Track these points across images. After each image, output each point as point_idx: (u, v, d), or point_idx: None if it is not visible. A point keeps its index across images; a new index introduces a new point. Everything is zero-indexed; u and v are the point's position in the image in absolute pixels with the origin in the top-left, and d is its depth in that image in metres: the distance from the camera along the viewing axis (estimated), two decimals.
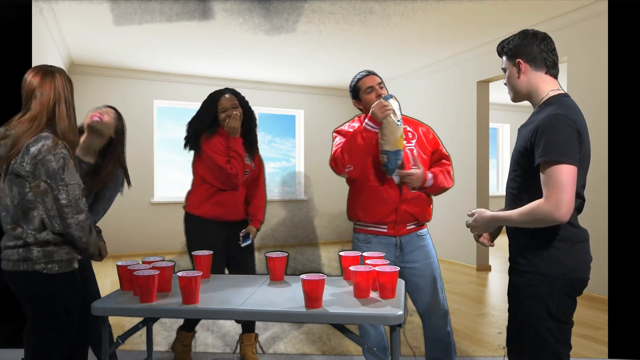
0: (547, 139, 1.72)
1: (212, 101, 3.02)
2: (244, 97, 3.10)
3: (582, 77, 4.94)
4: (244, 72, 7.63)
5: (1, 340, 3.33)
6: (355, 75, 2.70)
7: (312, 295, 1.92)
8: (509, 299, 1.94)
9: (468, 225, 2.02)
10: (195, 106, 3.14)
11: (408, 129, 2.67)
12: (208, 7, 4.91)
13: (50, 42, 5.34)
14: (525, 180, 1.84)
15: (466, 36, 5.80)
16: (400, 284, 2.24)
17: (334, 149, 2.68)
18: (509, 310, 1.94)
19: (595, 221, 4.76)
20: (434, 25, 5.41)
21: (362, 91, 2.65)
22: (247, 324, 3.19)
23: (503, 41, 1.94)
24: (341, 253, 2.38)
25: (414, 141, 2.67)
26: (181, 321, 3.23)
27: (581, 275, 1.87)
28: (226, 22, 5.23)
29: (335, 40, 5.92)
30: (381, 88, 2.63)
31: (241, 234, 3.02)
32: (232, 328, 3.70)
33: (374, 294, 2.09)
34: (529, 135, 1.80)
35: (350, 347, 3.43)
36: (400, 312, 1.90)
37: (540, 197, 1.74)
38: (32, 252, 1.92)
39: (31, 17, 3.57)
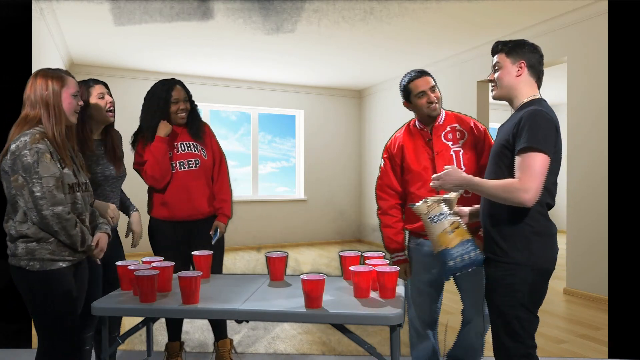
0: (529, 128, 1.84)
1: (168, 90, 2.85)
2: (187, 88, 2.96)
3: (582, 77, 4.94)
4: (244, 72, 7.62)
5: (1, 340, 3.33)
6: (406, 75, 2.54)
7: (312, 295, 1.93)
8: (485, 288, 2.02)
9: (434, 178, 2.03)
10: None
11: (458, 127, 2.54)
12: (208, 7, 4.91)
13: (50, 42, 5.34)
14: (505, 174, 1.91)
15: (466, 36, 5.80)
16: (401, 283, 2.24)
17: (378, 180, 2.65)
18: (486, 299, 2.03)
19: (595, 221, 4.77)
20: (433, 25, 5.42)
21: (413, 94, 2.50)
22: (219, 330, 3.05)
23: (504, 40, 2.04)
24: (341, 253, 2.38)
25: (461, 142, 2.52)
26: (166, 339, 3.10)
27: (549, 267, 1.95)
28: (226, 22, 5.23)
29: (335, 40, 5.92)
30: (433, 91, 2.48)
31: (211, 232, 2.88)
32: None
33: (374, 294, 2.09)
34: (511, 129, 1.91)
35: (350, 347, 3.43)
36: (401, 312, 1.91)
37: None
38: (17, 248, 2.01)
39: (31, 17, 3.57)
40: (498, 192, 1.86)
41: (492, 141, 2.51)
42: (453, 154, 2.51)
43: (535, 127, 1.83)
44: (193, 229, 2.91)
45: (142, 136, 2.89)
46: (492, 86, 2.08)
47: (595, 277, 4.57)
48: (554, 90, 7.27)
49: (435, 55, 6.62)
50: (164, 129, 2.82)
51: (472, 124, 2.58)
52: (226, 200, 2.96)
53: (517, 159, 1.85)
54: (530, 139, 1.82)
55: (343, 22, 5.26)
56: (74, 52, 6.47)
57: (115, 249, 2.60)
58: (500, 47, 2.03)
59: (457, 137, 2.53)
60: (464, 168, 2.46)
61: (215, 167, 2.99)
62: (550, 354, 3.39)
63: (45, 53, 5.01)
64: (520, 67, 1.99)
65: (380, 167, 2.65)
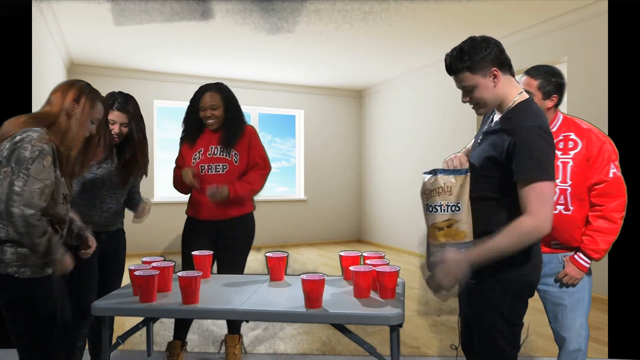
0: (530, 156, 1.67)
1: (197, 96, 3.11)
2: (229, 93, 3.13)
3: (582, 77, 4.94)
4: (244, 72, 7.62)
5: (1, 341, 3.33)
6: (560, 74, 2.26)
7: (312, 295, 1.93)
8: (459, 299, 1.96)
9: (429, 280, 1.80)
10: None
11: (572, 136, 2.21)
12: (208, 7, 4.91)
13: (50, 42, 5.33)
14: (501, 183, 1.76)
15: (466, 36, 5.75)
16: (401, 283, 2.24)
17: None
18: (461, 310, 1.97)
19: None
20: (433, 25, 5.41)
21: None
22: (233, 325, 3.10)
23: (458, 57, 1.78)
24: (341, 253, 2.38)
25: (573, 152, 2.18)
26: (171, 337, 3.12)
27: (533, 278, 1.84)
28: (226, 22, 5.23)
29: (335, 40, 5.91)
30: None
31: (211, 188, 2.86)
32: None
33: (374, 294, 2.09)
34: (503, 146, 1.72)
35: (350, 347, 3.43)
36: (401, 312, 1.91)
37: (516, 198, 1.70)
38: (5, 254, 1.84)
39: (31, 17, 3.57)
40: (517, 239, 1.67)
41: (604, 157, 2.27)
42: (560, 165, 2.18)
43: (536, 154, 1.66)
44: (218, 229, 2.95)
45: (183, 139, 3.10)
46: (472, 106, 1.85)
47: (595, 277, 4.55)
48: None
49: (435, 55, 6.62)
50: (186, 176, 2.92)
51: (590, 136, 2.23)
52: (246, 182, 2.96)
53: (523, 191, 1.67)
54: (534, 170, 1.65)
55: (343, 22, 5.26)
56: (74, 52, 6.47)
57: (119, 248, 2.71)
58: (460, 67, 1.77)
59: (569, 146, 2.20)
60: (569, 182, 2.20)
61: (239, 169, 3.00)
62: (551, 354, 3.38)
63: (45, 53, 5.00)
64: (495, 75, 1.76)
65: None
